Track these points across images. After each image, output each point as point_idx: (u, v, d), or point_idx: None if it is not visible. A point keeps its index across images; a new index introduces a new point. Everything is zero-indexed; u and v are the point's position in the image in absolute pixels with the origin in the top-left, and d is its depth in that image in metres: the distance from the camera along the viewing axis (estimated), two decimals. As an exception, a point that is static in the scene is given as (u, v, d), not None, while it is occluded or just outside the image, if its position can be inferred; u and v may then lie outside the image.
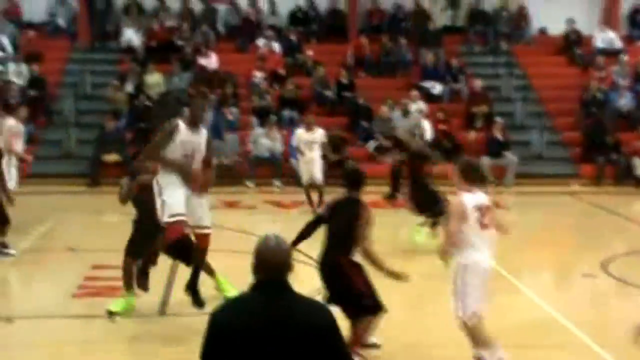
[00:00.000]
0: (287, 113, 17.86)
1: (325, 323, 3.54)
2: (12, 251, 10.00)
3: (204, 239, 7.24)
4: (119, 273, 7.86)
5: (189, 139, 7.11)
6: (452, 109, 18.37)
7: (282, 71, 18.92)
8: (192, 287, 7.36)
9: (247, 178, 16.46)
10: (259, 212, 13.87)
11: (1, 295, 9.18)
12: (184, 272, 7.84)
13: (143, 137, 16.42)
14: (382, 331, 6.94)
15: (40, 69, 18.26)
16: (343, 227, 6.53)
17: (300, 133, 14.04)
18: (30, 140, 15.88)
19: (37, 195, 13.98)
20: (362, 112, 17.90)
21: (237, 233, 11.27)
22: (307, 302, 3.61)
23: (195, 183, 7.07)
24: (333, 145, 15.19)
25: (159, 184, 7.12)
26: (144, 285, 7.75)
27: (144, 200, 7.55)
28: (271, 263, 3.57)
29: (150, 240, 7.49)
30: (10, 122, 12.48)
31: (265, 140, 16.84)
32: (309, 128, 13.96)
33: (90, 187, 15.98)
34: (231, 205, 14.32)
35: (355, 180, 6.74)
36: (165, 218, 6.94)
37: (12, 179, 12.09)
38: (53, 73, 18.74)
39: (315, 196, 13.45)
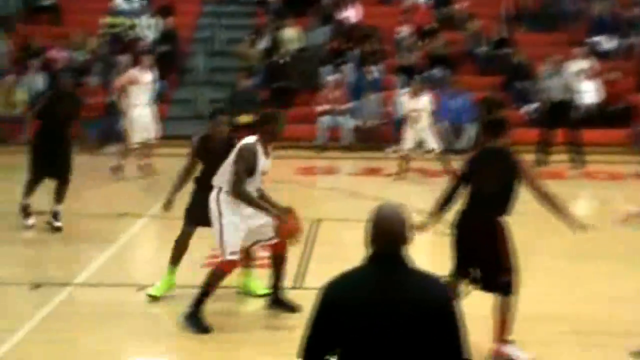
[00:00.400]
0: (435, 72, 17.56)
1: (441, 299, 3.53)
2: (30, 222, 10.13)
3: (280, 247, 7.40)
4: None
5: (264, 162, 7.16)
6: (624, 67, 17.62)
7: (430, 25, 18.61)
8: (276, 295, 7.52)
9: (389, 142, 16.32)
10: (403, 180, 13.77)
11: (131, 262, 9.54)
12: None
13: (278, 97, 17.07)
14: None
15: (171, 23, 18.69)
16: (496, 180, 6.34)
17: (406, 100, 13.70)
18: (161, 99, 16.37)
19: (167, 157, 14.33)
20: (519, 71, 17.45)
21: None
22: (423, 277, 3.60)
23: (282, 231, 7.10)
24: (487, 108, 14.89)
25: (219, 203, 7.10)
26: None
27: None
28: (386, 235, 3.56)
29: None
30: (134, 71, 13.59)
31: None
32: (414, 94, 13.59)
33: None
34: (372, 172, 14.31)
35: (497, 126, 6.50)
36: (225, 255, 7.03)
37: (146, 131, 13.56)
38: (184, 28, 19.17)
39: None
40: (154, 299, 7.76)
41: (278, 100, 17.11)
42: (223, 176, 7.08)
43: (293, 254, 8.76)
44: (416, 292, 3.54)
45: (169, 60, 17.96)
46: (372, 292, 3.56)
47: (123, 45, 18.02)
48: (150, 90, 13.71)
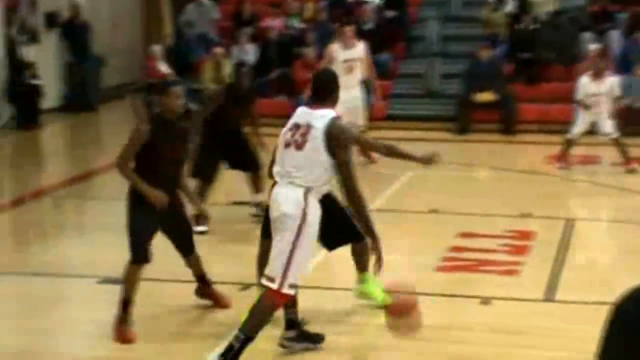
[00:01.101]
0: None
1: None
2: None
3: None
4: (490, 243, 7.88)
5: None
6: None
7: None
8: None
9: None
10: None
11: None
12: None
13: (526, 71, 16.90)
14: None
15: (400, -15, 18.86)
16: None
17: (585, 83, 13.02)
18: (384, 74, 16.49)
19: (393, 141, 14.31)
20: None
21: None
22: None
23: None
24: None
25: (306, 210, 6.33)
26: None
27: None
28: None
29: None
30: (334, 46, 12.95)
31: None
32: (596, 76, 12.87)
33: (456, 134, 16.11)
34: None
35: None
36: (284, 285, 6.25)
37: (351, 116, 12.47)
38: None
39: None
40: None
41: (526, 74, 16.82)
42: (311, 172, 6.36)
43: (543, 260, 8.53)
44: None
45: (395, 28, 18.15)
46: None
47: (345, 10, 18.25)
48: (359, 67, 12.96)
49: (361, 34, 16.44)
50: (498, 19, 18.02)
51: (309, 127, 6.32)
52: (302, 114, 6.49)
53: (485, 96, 16.35)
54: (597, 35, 17.16)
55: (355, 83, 12.76)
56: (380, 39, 17.30)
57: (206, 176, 10.14)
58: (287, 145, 6.41)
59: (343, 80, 11.87)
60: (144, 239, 7.04)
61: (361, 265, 7.46)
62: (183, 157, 7.28)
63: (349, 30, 13.03)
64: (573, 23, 17.41)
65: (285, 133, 6.47)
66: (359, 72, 12.89)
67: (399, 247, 9.14)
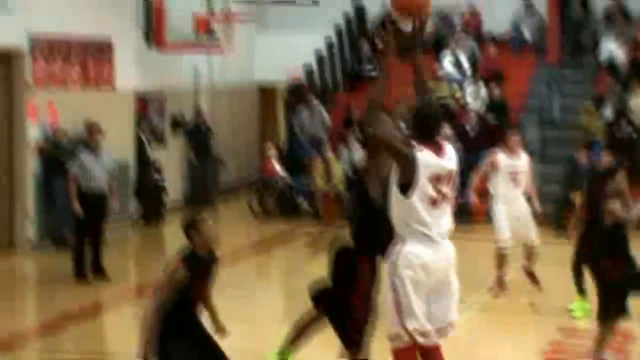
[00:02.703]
0: None
1: None
2: None
3: None
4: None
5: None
6: None
7: None
8: None
9: None
10: None
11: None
12: None
13: (628, 175, 16.69)
14: None
15: (500, 91, 19.15)
16: None
17: None
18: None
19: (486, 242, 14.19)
20: None
21: None
22: None
23: None
24: None
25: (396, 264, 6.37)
26: None
27: None
28: None
29: None
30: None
31: None
32: None
33: (558, 233, 15.99)
34: None
35: None
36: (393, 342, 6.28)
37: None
38: (515, 95, 19.57)
39: None
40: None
41: (631, 179, 16.66)
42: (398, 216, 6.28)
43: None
44: None
45: (497, 133, 17.91)
46: None
47: (448, 114, 18.27)
48: (523, 178, 12.16)
49: (463, 138, 17.09)
50: (596, 124, 18.03)
51: (451, 173, 6.26)
52: (431, 161, 6.23)
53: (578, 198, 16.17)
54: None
55: (518, 194, 12.00)
56: (482, 143, 17.38)
57: None
58: (433, 202, 6.23)
59: (505, 191, 11.91)
60: None
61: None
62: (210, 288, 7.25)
63: (515, 139, 12.33)
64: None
65: (421, 190, 6.22)
66: (523, 184, 12.13)
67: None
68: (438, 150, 6.27)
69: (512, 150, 12.02)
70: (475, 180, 12.45)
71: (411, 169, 6.13)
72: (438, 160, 6.21)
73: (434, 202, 6.17)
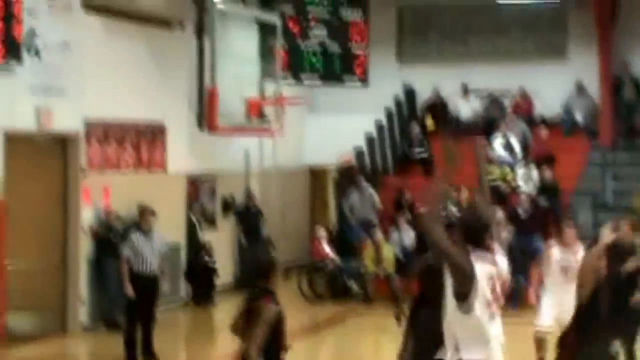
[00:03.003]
0: None
1: None
2: None
3: None
4: None
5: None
6: None
7: None
8: None
9: None
10: None
11: None
12: None
13: None
14: None
15: (552, 174, 19.12)
16: None
17: None
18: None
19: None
20: None
21: None
22: None
23: None
24: None
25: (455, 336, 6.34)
26: None
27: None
28: None
29: None
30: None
31: None
32: None
33: None
34: None
35: None
36: None
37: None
38: (567, 178, 19.50)
39: None
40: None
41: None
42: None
43: None
44: None
45: (549, 216, 18.06)
46: None
47: (499, 198, 18.28)
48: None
49: (515, 221, 17.02)
50: (649, 208, 17.94)
51: (503, 277, 6.29)
52: (488, 271, 6.23)
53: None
54: None
55: (569, 289, 10.24)
56: (534, 226, 17.52)
57: None
58: (488, 305, 6.26)
59: (556, 283, 11.55)
60: None
61: None
62: None
63: (571, 232, 11.93)
64: None
65: (479, 299, 6.23)
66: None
67: None
68: (491, 256, 6.29)
69: (567, 243, 11.73)
70: (534, 278, 12.32)
71: (470, 282, 6.16)
72: (493, 269, 6.23)
73: (488, 305, 6.23)
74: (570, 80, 20.99)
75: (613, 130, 20.41)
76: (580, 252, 11.46)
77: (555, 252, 11.73)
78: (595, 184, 19.63)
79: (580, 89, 21.05)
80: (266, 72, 18.83)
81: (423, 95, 22.03)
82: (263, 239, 19.55)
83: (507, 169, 19.49)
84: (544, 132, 20.64)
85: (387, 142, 21.90)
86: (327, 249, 18.68)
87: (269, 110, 18.90)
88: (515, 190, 19.04)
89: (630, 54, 20.89)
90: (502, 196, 18.70)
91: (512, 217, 17.67)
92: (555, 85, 21.12)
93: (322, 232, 18.94)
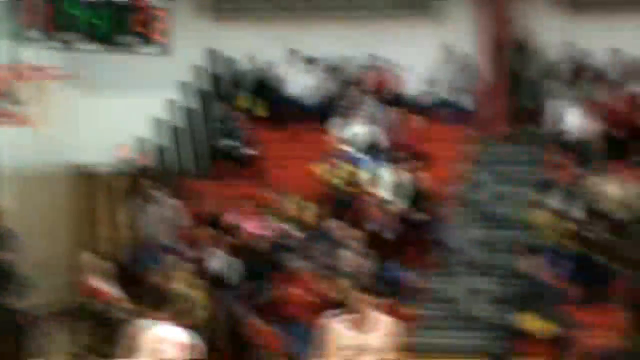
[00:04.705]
0: None
1: None
2: None
3: None
4: None
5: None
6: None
7: None
8: None
9: None
10: None
11: None
12: None
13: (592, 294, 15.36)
14: None
15: (424, 178, 16.92)
16: None
17: None
18: (394, 292, 14.95)
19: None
20: None
21: None
22: None
23: None
24: None
25: None
26: None
27: None
28: None
29: None
30: None
31: None
32: None
33: None
34: None
35: None
36: None
37: None
38: (442, 182, 17.43)
39: None
40: None
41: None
42: None
43: None
44: None
45: (420, 234, 16.43)
46: None
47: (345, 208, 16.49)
48: None
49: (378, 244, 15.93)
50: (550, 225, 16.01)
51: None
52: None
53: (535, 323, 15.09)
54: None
55: None
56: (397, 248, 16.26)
57: None
58: None
59: None
60: None
61: None
62: None
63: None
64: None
65: None
66: None
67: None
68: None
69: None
70: None
71: None
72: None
73: None
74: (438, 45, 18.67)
75: (503, 116, 17.85)
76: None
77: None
78: (476, 190, 17.29)
79: (451, 56, 18.65)
80: (14, 31, 16.11)
81: (240, 66, 19.38)
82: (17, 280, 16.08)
83: (352, 168, 17.16)
84: (409, 118, 18.11)
85: (191, 132, 19.23)
86: (100, 284, 15.61)
87: (20, 87, 16.19)
88: (381, 203, 16.46)
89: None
90: (347, 205, 16.63)
91: (374, 239, 16.03)
92: (421, 51, 18.59)
93: (92, 260, 15.89)
